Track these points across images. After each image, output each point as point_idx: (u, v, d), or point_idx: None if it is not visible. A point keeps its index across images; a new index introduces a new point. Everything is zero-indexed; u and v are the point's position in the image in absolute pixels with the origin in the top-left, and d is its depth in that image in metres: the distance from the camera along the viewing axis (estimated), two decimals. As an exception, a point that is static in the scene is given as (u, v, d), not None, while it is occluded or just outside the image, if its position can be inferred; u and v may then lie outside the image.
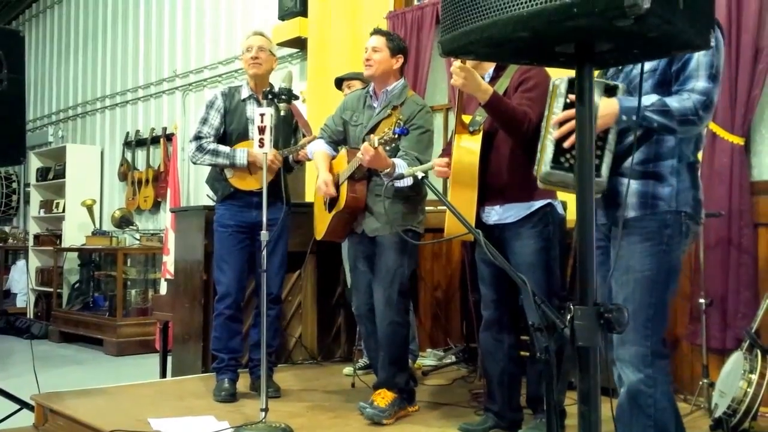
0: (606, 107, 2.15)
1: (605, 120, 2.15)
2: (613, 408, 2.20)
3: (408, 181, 3.34)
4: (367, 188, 3.58)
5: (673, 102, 2.19)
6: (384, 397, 3.47)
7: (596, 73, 1.89)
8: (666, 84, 2.27)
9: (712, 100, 2.21)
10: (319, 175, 3.71)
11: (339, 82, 4.81)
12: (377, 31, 3.69)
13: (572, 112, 2.16)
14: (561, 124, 2.14)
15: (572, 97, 2.19)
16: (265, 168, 3.43)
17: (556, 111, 2.18)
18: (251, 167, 3.92)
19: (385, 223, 3.49)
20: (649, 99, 2.19)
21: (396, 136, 3.29)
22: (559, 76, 2.21)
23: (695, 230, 2.35)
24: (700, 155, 2.35)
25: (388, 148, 3.36)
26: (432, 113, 3.82)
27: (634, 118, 2.17)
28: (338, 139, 3.81)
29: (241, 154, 3.92)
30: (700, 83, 2.20)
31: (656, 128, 2.21)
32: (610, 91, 2.19)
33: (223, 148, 3.97)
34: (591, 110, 1.43)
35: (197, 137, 4.00)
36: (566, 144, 2.14)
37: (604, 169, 2.17)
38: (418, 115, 3.56)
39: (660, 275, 2.25)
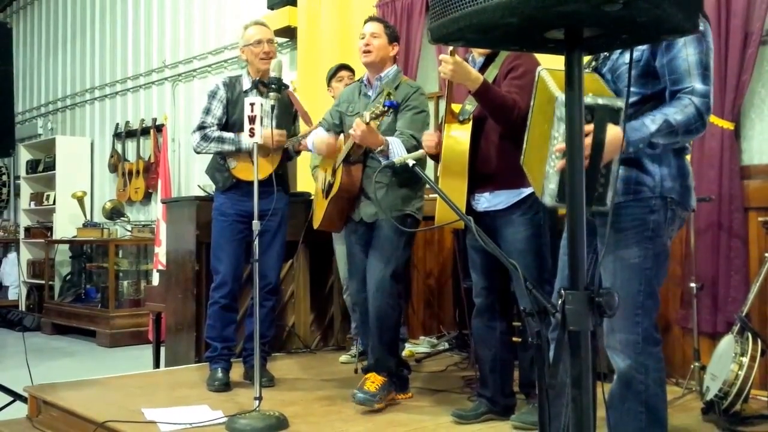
0: (612, 141, 1.97)
1: (610, 154, 2.00)
2: (605, 393, 2.21)
3: (399, 150, 3.34)
4: (363, 173, 3.59)
5: (677, 115, 2.12)
6: (374, 381, 3.47)
7: (586, 59, 1.87)
8: (649, 75, 2.22)
9: (710, 102, 2.16)
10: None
11: (329, 81, 4.80)
12: (374, 18, 3.74)
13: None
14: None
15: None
16: (256, 160, 3.41)
17: (557, 136, 1.97)
18: (258, 150, 3.87)
19: (382, 208, 3.51)
20: (654, 123, 2.10)
21: (386, 108, 3.30)
22: (548, 66, 2.18)
23: (683, 216, 2.31)
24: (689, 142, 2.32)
25: (379, 122, 3.37)
26: (426, 95, 3.82)
27: (641, 146, 2.13)
28: (337, 131, 3.80)
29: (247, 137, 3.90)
30: (699, 85, 2.15)
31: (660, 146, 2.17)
32: (612, 114, 1.97)
33: (228, 135, 3.98)
34: (580, 96, 1.43)
35: (201, 127, 4.00)
36: None
37: (609, 199, 2.02)
38: (413, 96, 3.59)
39: (647, 261, 2.21)
